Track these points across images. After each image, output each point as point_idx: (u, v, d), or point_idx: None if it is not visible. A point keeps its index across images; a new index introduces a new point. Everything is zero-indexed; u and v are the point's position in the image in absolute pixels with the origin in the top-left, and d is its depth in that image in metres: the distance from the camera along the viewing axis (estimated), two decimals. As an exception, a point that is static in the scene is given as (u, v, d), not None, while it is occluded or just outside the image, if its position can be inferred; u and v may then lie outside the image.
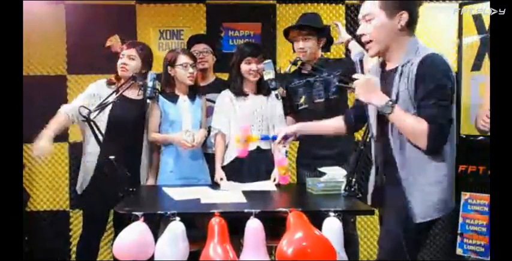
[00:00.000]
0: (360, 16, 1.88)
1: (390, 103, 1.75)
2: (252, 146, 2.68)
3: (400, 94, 1.78)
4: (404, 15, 1.80)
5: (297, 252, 1.74)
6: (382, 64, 1.93)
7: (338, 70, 2.68)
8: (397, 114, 1.75)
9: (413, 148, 1.77)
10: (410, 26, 1.83)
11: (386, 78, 1.85)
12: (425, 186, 1.77)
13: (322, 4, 3.50)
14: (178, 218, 1.93)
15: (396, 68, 1.82)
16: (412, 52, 1.79)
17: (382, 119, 1.85)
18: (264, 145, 2.72)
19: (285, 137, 2.27)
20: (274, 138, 2.34)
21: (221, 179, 2.65)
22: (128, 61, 2.72)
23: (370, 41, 1.84)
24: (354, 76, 1.84)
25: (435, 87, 1.69)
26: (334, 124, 2.26)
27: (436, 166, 1.77)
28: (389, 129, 1.84)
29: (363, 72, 1.87)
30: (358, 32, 1.89)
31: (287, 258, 1.75)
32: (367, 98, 1.81)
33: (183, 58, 2.71)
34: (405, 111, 1.75)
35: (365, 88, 1.80)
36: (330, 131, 2.33)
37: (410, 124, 1.73)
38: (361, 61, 1.89)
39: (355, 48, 2.66)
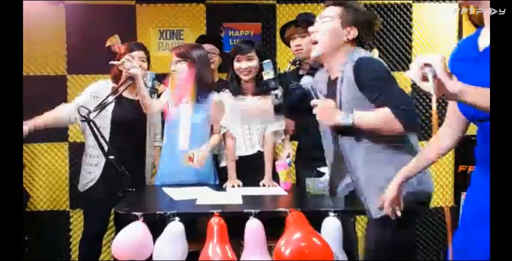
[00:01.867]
0: (318, 16, 1.98)
1: (348, 113, 1.80)
2: (253, 150, 2.68)
3: (346, 101, 1.85)
4: (353, 31, 1.91)
5: (294, 253, 1.74)
6: (327, 78, 2.00)
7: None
8: (358, 119, 1.78)
9: (365, 146, 1.83)
10: (356, 41, 1.94)
11: (331, 89, 1.93)
12: (380, 182, 1.77)
13: (322, 4, 3.49)
14: (177, 218, 1.93)
15: (337, 77, 1.90)
16: (349, 61, 1.87)
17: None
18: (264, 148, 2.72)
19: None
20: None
21: (233, 186, 2.59)
22: (140, 63, 2.73)
23: (317, 41, 1.92)
24: (312, 103, 1.88)
25: (374, 80, 1.78)
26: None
27: (389, 162, 1.80)
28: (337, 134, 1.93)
29: (317, 97, 1.92)
30: (311, 29, 1.97)
31: (285, 258, 1.75)
32: (330, 121, 1.85)
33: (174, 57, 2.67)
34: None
35: (327, 113, 1.84)
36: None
37: (376, 118, 1.77)
38: (312, 87, 1.93)
39: None
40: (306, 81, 1.97)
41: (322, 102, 1.88)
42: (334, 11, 1.93)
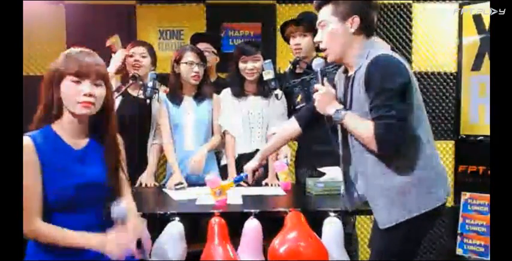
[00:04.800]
0: (316, 24, 1.87)
1: (341, 110, 1.76)
2: (251, 149, 2.69)
3: (355, 100, 1.77)
4: (356, 19, 1.76)
5: (288, 252, 1.74)
6: (345, 71, 1.91)
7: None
8: (347, 120, 1.75)
9: (369, 153, 1.74)
10: (365, 29, 1.79)
11: (347, 85, 1.84)
12: (387, 191, 1.73)
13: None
14: (177, 218, 1.93)
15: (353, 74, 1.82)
16: (363, 57, 1.76)
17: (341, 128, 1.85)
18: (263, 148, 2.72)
19: (255, 171, 2.16)
20: (246, 176, 2.15)
21: None
22: (141, 58, 2.73)
23: (325, 48, 1.83)
24: (315, 87, 1.85)
25: (380, 89, 1.65)
26: (289, 129, 2.13)
27: (395, 170, 1.72)
28: (349, 137, 1.84)
29: (323, 83, 1.86)
30: (315, 40, 1.89)
31: (279, 257, 1.75)
32: (323, 110, 1.82)
33: (189, 56, 2.65)
34: (363, 116, 1.72)
35: (323, 100, 1.81)
36: (288, 139, 2.19)
37: (360, 128, 1.71)
38: (321, 71, 1.88)
39: None
40: (317, 63, 1.90)
41: (324, 88, 1.83)
42: (325, 11, 1.81)
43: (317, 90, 1.83)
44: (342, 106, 1.78)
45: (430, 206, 1.71)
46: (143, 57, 2.75)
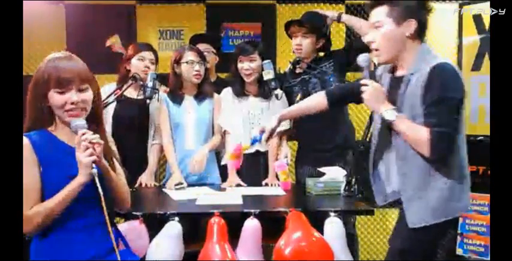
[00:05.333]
0: (369, 23, 1.87)
1: (394, 111, 1.76)
2: (251, 150, 2.69)
3: (406, 102, 1.79)
4: (413, 23, 1.77)
5: (294, 252, 1.74)
6: (392, 70, 1.92)
7: (331, 61, 2.69)
8: (400, 121, 1.76)
9: (416, 155, 1.77)
10: (419, 33, 1.81)
11: (394, 85, 1.85)
12: (423, 193, 1.77)
13: (322, 4, 3.50)
14: (176, 219, 1.93)
15: (404, 76, 1.82)
16: (421, 61, 1.78)
17: (388, 126, 1.84)
18: (263, 148, 2.72)
19: (272, 132, 2.13)
20: (260, 139, 2.14)
21: (230, 186, 2.59)
22: (151, 65, 2.74)
23: (378, 49, 1.83)
24: (363, 81, 1.84)
25: (441, 98, 1.69)
26: (316, 100, 2.18)
27: (438, 174, 1.77)
28: (393, 136, 1.84)
29: (371, 78, 1.86)
30: (367, 39, 1.87)
31: (285, 258, 1.75)
32: (375, 107, 1.82)
33: (189, 55, 2.65)
34: (412, 119, 1.76)
35: (374, 97, 1.81)
36: (312, 110, 2.20)
37: (413, 132, 1.74)
38: (368, 66, 1.87)
39: (350, 19, 2.75)
40: (363, 58, 1.88)
41: (374, 83, 1.82)
42: (379, 12, 1.80)
43: (365, 84, 1.82)
44: (393, 107, 1.78)
45: (460, 212, 1.81)
46: (152, 63, 2.75)
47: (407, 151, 1.79)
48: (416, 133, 1.73)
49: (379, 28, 1.80)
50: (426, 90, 1.71)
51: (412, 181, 1.79)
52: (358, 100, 1.97)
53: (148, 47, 2.82)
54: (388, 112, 1.77)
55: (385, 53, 1.83)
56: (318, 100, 2.16)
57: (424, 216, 1.76)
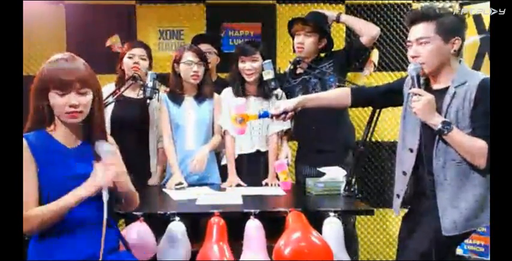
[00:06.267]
0: (411, 38, 1.88)
1: (448, 123, 1.79)
2: (252, 149, 2.69)
3: (451, 114, 1.82)
4: (458, 41, 1.84)
5: (294, 253, 1.74)
6: (426, 83, 1.94)
7: (331, 62, 2.69)
8: (455, 134, 1.79)
9: (457, 165, 1.82)
10: (460, 49, 1.87)
11: (439, 97, 1.86)
12: (460, 203, 1.82)
13: (322, 4, 3.50)
14: (177, 218, 1.93)
15: (446, 88, 1.85)
16: (464, 75, 1.84)
17: (428, 133, 1.85)
18: (263, 148, 2.73)
19: (285, 113, 2.09)
20: (271, 115, 2.11)
21: (230, 186, 2.60)
22: (140, 61, 2.73)
23: (423, 63, 1.86)
24: (413, 91, 1.85)
25: (488, 110, 1.73)
26: (339, 94, 2.19)
27: (475, 185, 1.81)
28: (435, 144, 1.85)
29: (419, 86, 1.86)
30: (411, 54, 1.89)
31: (284, 258, 1.75)
32: (427, 117, 1.82)
33: (188, 56, 2.64)
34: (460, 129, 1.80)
35: (428, 108, 1.81)
36: (333, 102, 2.21)
37: (471, 143, 1.78)
38: (418, 76, 1.86)
39: (349, 19, 2.78)
40: (413, 67, 1.88)
41: (427, 94, 1.83)
42: (428, 29, 1.83)
43: (416, 94, 1.83)
44: (445, 119, 1.80)
45: (487, 222, 1.81)
46: (142, 59, 2.74)
47: (448, 159, 1.83)
48: (474, 143, 1.77)
49: (427, 44, 1.83)
50: (477, 104, 1.77)
51: (457, 189, 1.83)
52: (383, 106, 2.00)
53: (139, 44, 2.81)
54: (443, 124, 1.79)
55: (430, 67, 1.86)
56: (341, 96, 2.17)
57: (458, 225, 1.81)
